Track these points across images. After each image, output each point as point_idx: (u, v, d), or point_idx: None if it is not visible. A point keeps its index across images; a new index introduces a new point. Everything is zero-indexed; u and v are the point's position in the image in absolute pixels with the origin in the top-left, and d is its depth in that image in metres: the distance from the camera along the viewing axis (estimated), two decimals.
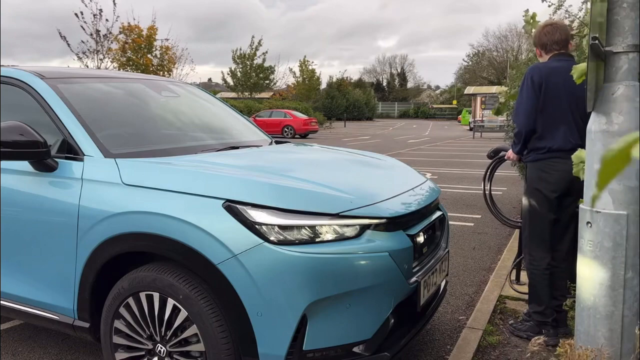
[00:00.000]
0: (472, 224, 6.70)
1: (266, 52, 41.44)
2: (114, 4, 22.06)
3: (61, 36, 21.27)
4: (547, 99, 3.05)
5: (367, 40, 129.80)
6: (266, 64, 42.28)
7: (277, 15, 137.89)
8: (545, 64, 3.15)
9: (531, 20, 3.59)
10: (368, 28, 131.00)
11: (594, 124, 2.19)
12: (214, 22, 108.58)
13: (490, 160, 4.17)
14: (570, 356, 2.12)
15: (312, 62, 48.30)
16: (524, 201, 3.27)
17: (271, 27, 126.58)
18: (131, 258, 2.47)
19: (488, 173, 4.26)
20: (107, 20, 22.26)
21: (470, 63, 65.73)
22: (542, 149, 3.10)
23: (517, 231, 5.01)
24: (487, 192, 4.26)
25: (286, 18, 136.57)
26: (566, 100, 3.03)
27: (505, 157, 3.54)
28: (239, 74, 41.91)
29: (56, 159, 2.63)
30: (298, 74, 47.31)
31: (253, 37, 44.22)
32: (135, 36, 23.69)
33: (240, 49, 41.50)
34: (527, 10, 3.68)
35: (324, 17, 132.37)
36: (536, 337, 3.11)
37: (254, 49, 41.23)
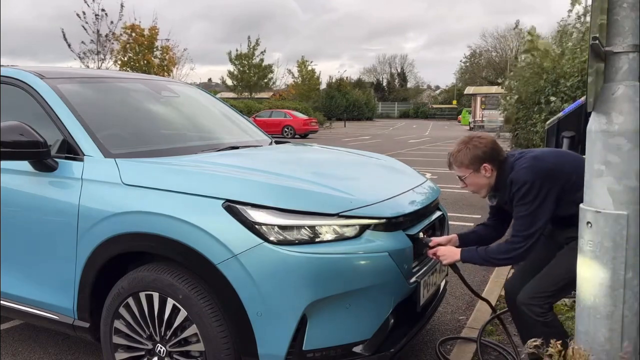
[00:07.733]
0: (472, 224, 6.68)
1: (264, 51, 41.57)
2: (122, 6, 22.03)
3: (64, 37, 21.30)
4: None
5: (396, 40, 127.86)
6: (274, 66, 42.73)
7: (311, 16, 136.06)
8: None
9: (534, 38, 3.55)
10: (398, 28, 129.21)
11: (594, 124, 2.19)
12: (250, 23, 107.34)
13: None
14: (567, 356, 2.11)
15: (311, 62, 48.39)
16: None
17: (303, 28, 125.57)
18: (131, 258, 2.47)
19: None
20: (112, 22, 22.25)
21: (468, 64, 65.63)
22: None
23: None
24: None
25: (321, 20, 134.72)
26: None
27: None
28: (236, 72, 41.99)
29: (56, 159, 2.63)
30: (296, 74, 47.38)
31: (249, 37, 44.39)
32: (137, 35, 23.70)
33: (237, 50, 41.71)
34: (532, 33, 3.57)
35: (357, 17, 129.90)
36: (533, 340, 3.09)
37: (251, 49, 41.28)
